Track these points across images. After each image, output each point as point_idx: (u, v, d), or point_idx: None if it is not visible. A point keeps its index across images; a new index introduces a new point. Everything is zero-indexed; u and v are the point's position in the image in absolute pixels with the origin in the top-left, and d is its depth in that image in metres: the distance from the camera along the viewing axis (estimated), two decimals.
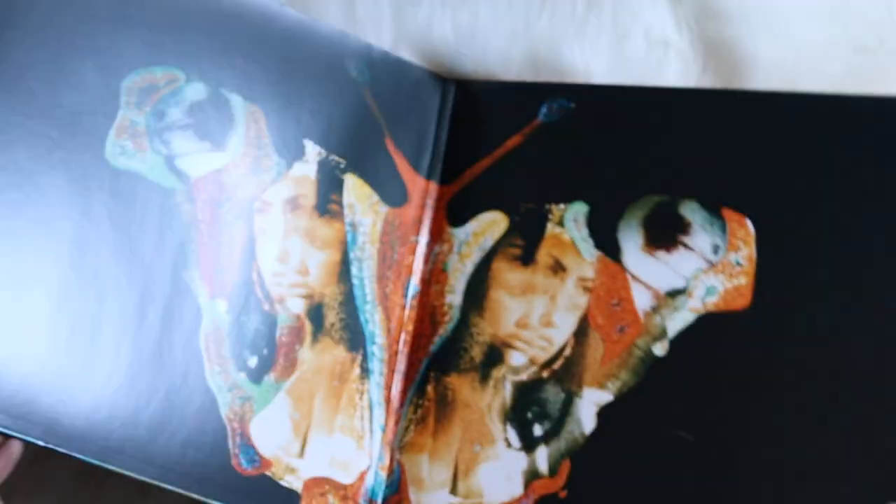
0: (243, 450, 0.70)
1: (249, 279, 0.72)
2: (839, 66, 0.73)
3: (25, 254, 0.69)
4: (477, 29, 0.79)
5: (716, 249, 0.69)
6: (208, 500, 0.71)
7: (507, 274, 0.73)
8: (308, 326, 0.73)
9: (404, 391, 0.72)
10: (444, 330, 0.73)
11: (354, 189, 0.75)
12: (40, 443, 0.70)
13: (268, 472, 0.71)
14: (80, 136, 0.72)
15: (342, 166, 0.75)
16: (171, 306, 0.71)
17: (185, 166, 0.73)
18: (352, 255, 0.74)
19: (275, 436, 0.71)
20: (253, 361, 0.72)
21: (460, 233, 0.74)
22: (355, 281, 0.74)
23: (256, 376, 0.71)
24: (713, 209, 0.70)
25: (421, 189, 0.75)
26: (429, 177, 0.75)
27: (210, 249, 0.72)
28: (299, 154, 0.74)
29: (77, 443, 0.70)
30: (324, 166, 0.74)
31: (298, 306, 0.73)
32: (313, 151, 0.75)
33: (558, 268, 0.72)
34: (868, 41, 0.73)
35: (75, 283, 0.70)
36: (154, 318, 0.71)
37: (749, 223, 0.69)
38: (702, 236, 0.70)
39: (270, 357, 0.72)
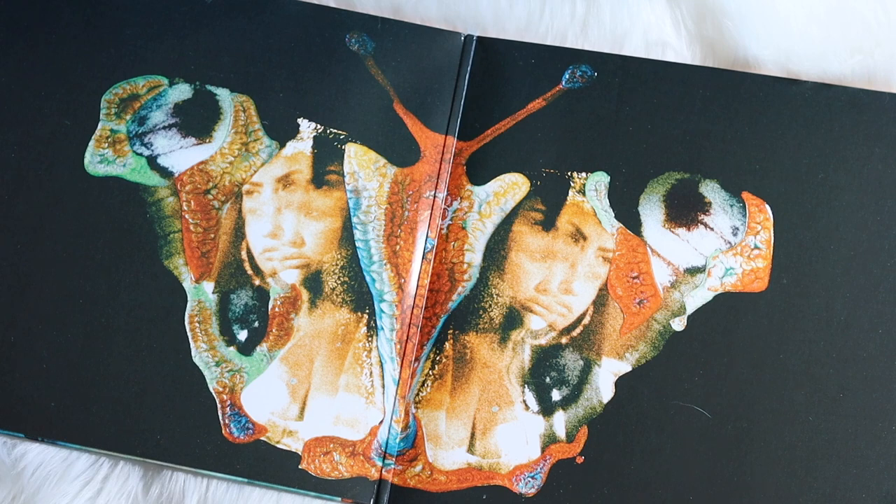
0: (234, 419, 0.71)
1: (238, 258, 0.73)
2: (836, 67, 0.76)
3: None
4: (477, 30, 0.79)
5: (735, 231, 0.72)
6: (201, 472, 0.71)
7: (528, 238, 0.73)
8: (304, 294, 0.73)
9: (420, 345, 0.71)
10: (463, 288, 0.72)
11: (357, 157, 0.75)
12: (20, 435, 0.71)
13: (263, 438, 0.71)
14: (58, 153, 0.74)
15: (342, 137, 0.75)
16: (152, 295, 0.72)
17: (168, 163, 0.74)
18: (355, 220, 0.74)
19: (269, 403, 0.71)
20: (243, 335, 0.72)
21: (481, 192, 0.74)
22: (359, 244, 0.74)
23: (247, 349, 0.72)
24: (734, 192, 0.72)
25: (437, 145, 0.74)
26: (447, 132, 0.74)
27: (196, 236, 0.73)
28: (293, 133, 0.75)
29: (57, 429, 0.71)
30: (320, 141, 0.75)
31: (293, 277, 0.73)
32: (309, 129, 0.75)
33: (579, 236, 0.73)
34: (865, 43, 0.76)
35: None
36: (133, 306, 0.72)
37: (768, 208, 0.72)
38: (722, 217, 0.72)
39: (262, 329, 0.72)
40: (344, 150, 0.75)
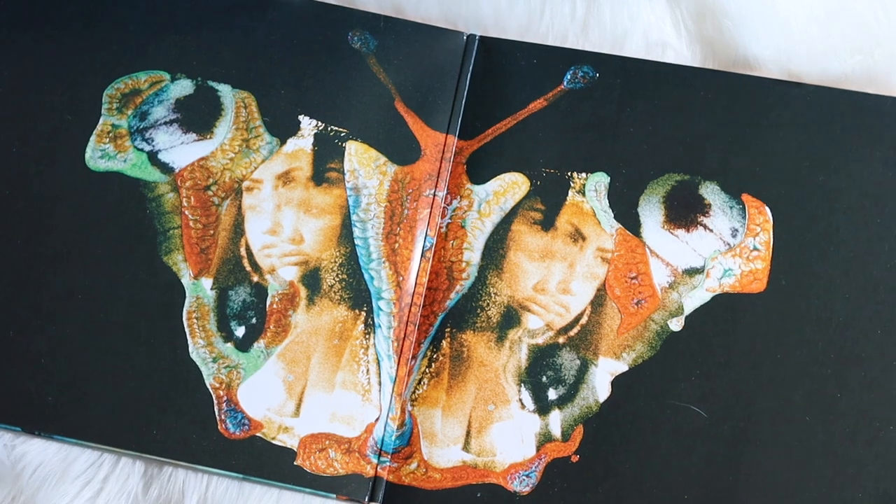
0: (230, 415, 0.71)
1: (237, 255, 0.73)
2: (836, 67, 0.76)
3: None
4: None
5: (734, 233, 0.72)
6: (197, 467, 0.71)
7: (527, 237, 0.73)
8: (303, 291, 0.73)
9: (418, 343, 0.71)
10: (461, 286, 0.72)
11: (357, 155, 0.75)
12: (17, 429, 0.71)
13: (258, 434, 0.71)
14: (60, 148, 0.74)
15: (343, 135, 0.75)
16: (151, 290, 0.72)
17: (169, 158, 0.74)
18: (354, 218, 0.74)
19: (266, 399, 0.71)
20: (240, 331, 0.72)
21: (480, 191, 0.74)
22: (358, 242, 0.74)
23: (244, 345, 0.72)
24: (733, 193, 0.72)
25: (437, 143, 0.74)
26: (448, 130, 0.74)
27: (195, 232, 0.73)
28: (294, 130, 0.75)
29: (54, 423, 0.71)
30: (321, 138, 0.75)
31: (291, 274, 0.73)
32: (309, 126, 0.75)
33: (578, 236, 0.73)
34: (865, 43, 0.76)
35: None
36: (132, 302, 0.72)
37: (768, 210, 0.72)
38: (721, 219, 0.72)
39: (260, 325, 0.72)
40: (344, 147, 0.75)
